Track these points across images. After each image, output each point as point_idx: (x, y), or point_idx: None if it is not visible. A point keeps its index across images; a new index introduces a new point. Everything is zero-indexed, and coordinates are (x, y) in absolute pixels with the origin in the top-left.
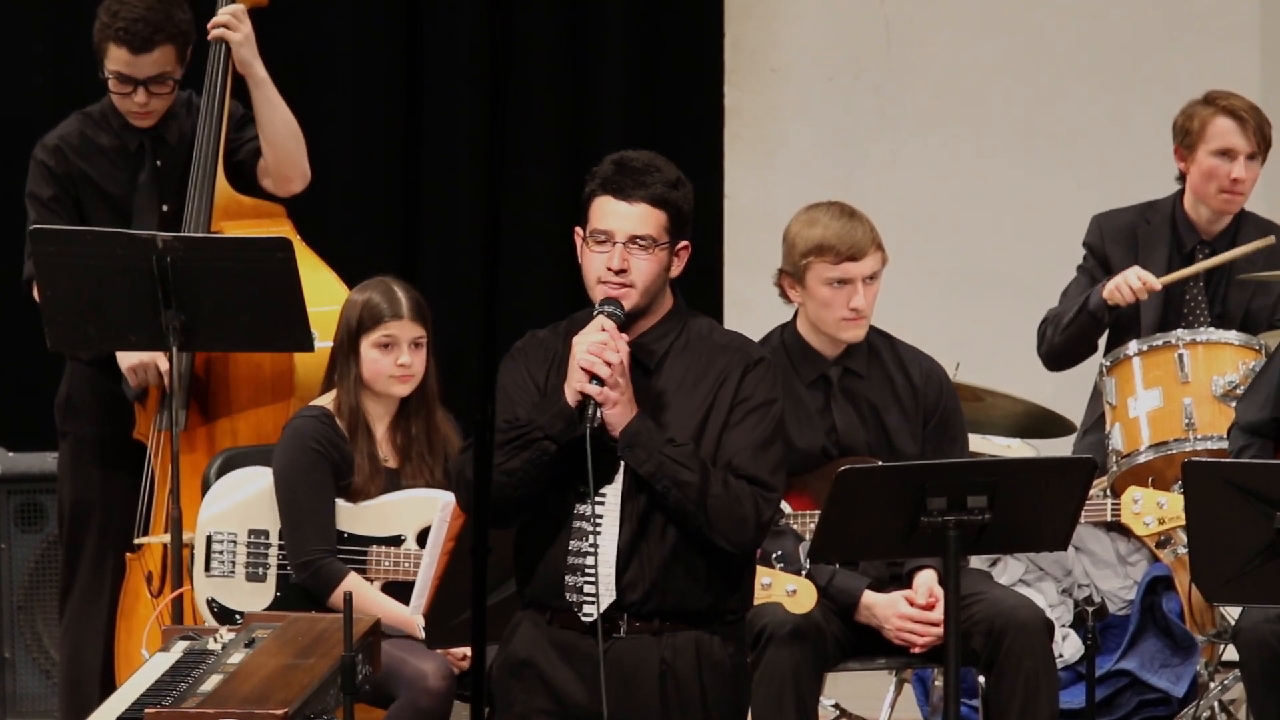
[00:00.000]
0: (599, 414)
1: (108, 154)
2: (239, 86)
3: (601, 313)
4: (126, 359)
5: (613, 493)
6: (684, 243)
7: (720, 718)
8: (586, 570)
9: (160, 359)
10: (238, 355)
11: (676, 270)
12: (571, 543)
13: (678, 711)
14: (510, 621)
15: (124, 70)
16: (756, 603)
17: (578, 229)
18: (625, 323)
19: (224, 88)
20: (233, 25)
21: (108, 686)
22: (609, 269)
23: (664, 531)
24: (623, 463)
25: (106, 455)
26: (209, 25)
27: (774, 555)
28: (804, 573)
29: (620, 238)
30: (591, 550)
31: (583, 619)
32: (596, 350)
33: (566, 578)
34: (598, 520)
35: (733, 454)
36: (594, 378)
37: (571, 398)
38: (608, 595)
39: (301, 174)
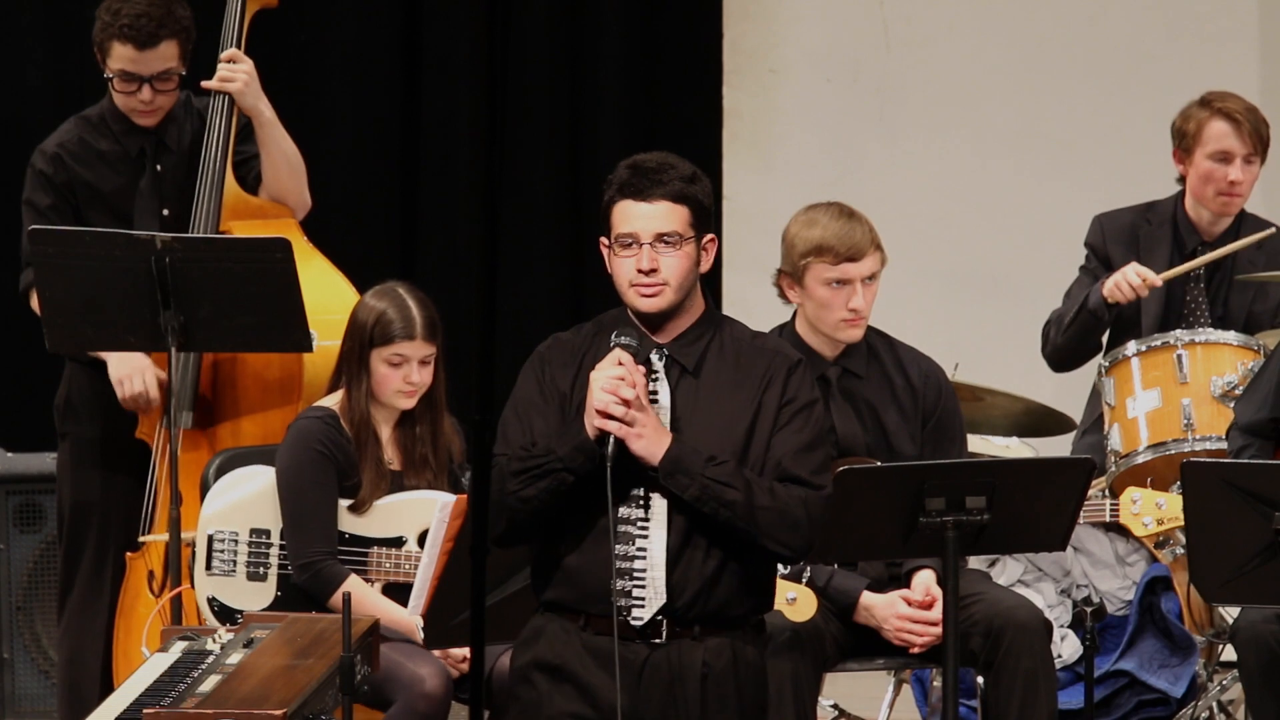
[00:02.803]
0: (618, 446)
1: (108, 159)
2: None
3: (618, 344)
4: (120, 389)
5: (659, 497)
6: (709, 236)
7: (752, 715)
8: (635, 574)
9: (150, 376)
10: (246, 356)
11: (706, 264)
12: (618, 547)
13: (717, 714)
14: (527, 625)
15: (129, 68)
16: None
17: (602, 240)
18: (660, 321)
19: (228, 125)
20: (233, 76)
21: (106, 687)
22: (639, 270)
23: (710, 541)
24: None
25: (106, 456)
26: (211, 82)
27: None
28: (804, 577)
29: (646, 238)
30: (639, 554)
31: (632, 623)
32: (611, 388)
33: (617, 582)
34: (644, 525)
35: (780, 455)
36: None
37: (591, 430)
38: (657, 599)
39: (302, 205)
